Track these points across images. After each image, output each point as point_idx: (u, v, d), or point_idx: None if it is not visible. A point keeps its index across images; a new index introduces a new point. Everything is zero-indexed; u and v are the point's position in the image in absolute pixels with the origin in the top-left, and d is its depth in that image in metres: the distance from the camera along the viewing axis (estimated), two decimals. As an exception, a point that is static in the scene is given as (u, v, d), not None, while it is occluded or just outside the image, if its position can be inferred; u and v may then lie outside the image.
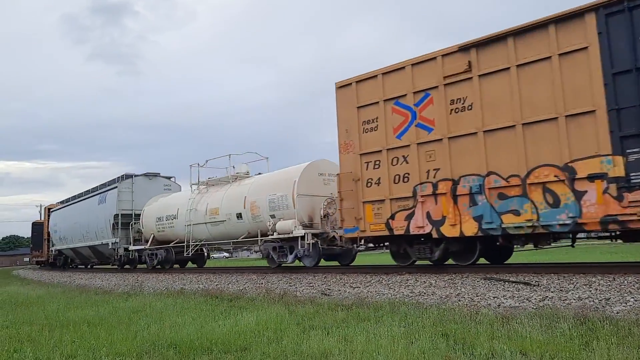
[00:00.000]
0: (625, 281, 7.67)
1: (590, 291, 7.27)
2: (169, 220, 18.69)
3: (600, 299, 6.77)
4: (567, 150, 8.52)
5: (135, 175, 22.88)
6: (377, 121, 11.20)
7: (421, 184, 10.33)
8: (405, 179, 10.62)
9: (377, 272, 11.44)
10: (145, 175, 23.17)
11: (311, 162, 14.01)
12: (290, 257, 13.50)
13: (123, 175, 22.82)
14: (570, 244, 9.64)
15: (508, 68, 9.27)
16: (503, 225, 9.13)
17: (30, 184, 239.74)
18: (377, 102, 11.18)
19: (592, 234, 9.40)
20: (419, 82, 10.52)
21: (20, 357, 5.60)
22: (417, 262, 11.43)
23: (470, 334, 5.22)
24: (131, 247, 21.00)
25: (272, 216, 13.95)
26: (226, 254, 54.95)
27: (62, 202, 32.95)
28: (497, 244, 9.69)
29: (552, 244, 9.60)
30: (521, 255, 17.69)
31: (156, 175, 23.43)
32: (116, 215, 21.93)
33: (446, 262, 11.44)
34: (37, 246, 39.66)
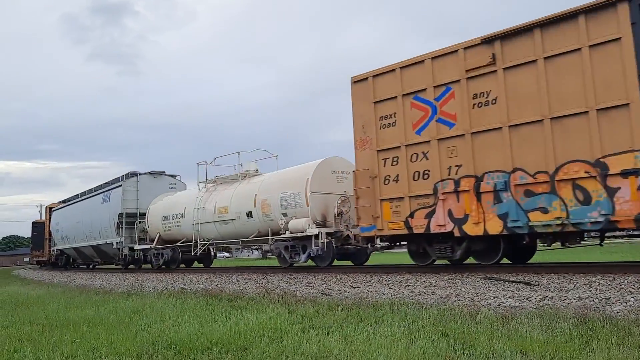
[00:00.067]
0: (625, 281, 7.60)
1: (591, 291, 7.23)
2: (175, 219, 18.36)
3: (600, 298, 6.72)
4: (599, 145, 8.20)
5: (140, 174, 22.51)
6: (395, 116, 10.88)
7: (442, 180, 10.01)
8: (426, 176, 10.30)
9: (377, 272, 11.36)
10: (150, 173, 22.81)
11: (324, 159, 13.69)
12: (303, 257, 13.18)
13: (128, 174, 22.46)
14: (598, 242, 9.33)
15: (535, 60, 8.95)
16: (530, 224, 8.81)
17: (30, 184, 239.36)
18: (395, 97, 10.86)
19: (625, 232, 9.08)
20: (439, 75, 10.20)
21: (20, 357, 5.57)
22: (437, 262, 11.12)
23: (471, 334, 5.21)
24: (136, 247, 20.64)
25: (284, 214, 13.63)
26: (226, 254, 54.60)
27: (63, 201, 32.57)
28: (524, 242, 9.37)
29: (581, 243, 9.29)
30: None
31: (161, 173, 23.07)
32: (121, 214, 21.56)
33: (466, 262, 11.14)
34: (37, 246, 39.27)
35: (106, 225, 22.83)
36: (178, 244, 18.49)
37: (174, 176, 23.44)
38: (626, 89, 8.00)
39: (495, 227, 9.23)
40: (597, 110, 8.25)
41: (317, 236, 12.57)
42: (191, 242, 17.37)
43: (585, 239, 9.31)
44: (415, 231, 10.32)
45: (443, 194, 9.95)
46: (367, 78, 11.40)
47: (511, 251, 10.31)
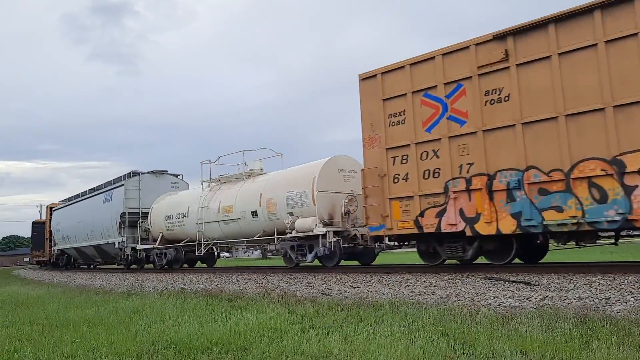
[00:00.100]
0: (626, 280, 7.55)
1: (591, 291, 7.19)
2: (179, 219, 18.18)
3: (600, 298, 6.69)
4: (616, 142, 8.04)
5: (143, 173, 22.31)
6: (404, 114, 10.72)
7: (453, 179, 9.85)
8: (436, 174, 10.14)
9: (377, 272, 11.27)
10: (153, 172, 22.61)
11: (331, 158, 13.53)
12: (309, 257, 13.01)
13: (130, 173, 22.26)
14: (613, 242, 9.17)
15: (549, 56, 8.79)
16: (544, 223, 8.65)
17: (30, 184, 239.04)
18: (405, 94, 10.69)
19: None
20: (450, 72, 10.04)
21: (20, 357, 5.55)
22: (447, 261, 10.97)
23: (471, 334, 5.19)
24: (139, 246, 20.45)
25: (290, 214, 13.46)
26: (226, 254, 54.43)
27: (64, 201, 32.36)
28: (538, 242, 9.21)
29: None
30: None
31: (164, 172, 22.87)
32: (123, 214, 21.37)
33: (475, 262, 10.98)
34: (37, 246, 39.08)
35: (108, 224, 22.65)
36: (181, 243, 18.31)
37: (176, 175, 23.26)
38: (644, 85, 7.84)
39: (508, 226, 9.07)
40: (614, 106, 8.09)
41: (324, 236, 12.40)
42: (195, 241, 17.20)
43: (600, 238, 9.15)
44: (426, 230, 10.16)
45: (454, 192, 9.79)
46: (375, 75, 11.24)
47: (523, 251, 10.15)
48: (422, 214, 10.24)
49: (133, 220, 21.34)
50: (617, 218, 7.95)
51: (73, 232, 27.52)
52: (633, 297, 6.57)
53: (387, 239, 11.37)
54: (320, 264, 13.75)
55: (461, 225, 9.66)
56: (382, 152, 11.00)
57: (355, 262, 14.53)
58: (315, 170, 13.20)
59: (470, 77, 9.74)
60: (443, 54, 10.16)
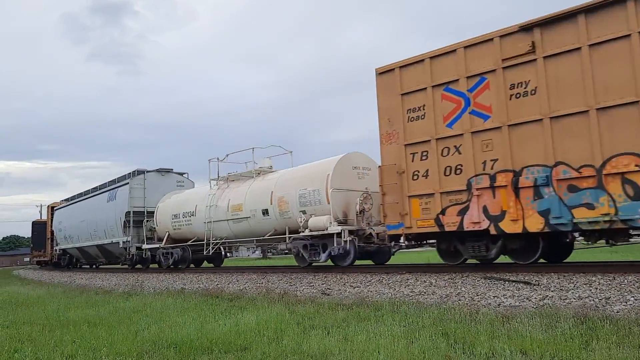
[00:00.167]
0: (625, 280, 7.50)
1: (591, 290, 7.17)
2: (186, 218, 17.83)
3: (600, 298, 6.69)
4: (651, 137, 7.73)
5: (148, 171, 21.93)
6: (424, 109, 10.40)
7: (476, 176, 9.53)
8: (458, 171, 9.82)
9: (378, 272, 11.08)
10: (158, 171, 22.25)
11: (344, 155, 13.20)
12: (323, 256, 12.68)
13: (135, 171, 21.89)
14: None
15: (579, 48, 8.47)
16: (574, 220, 8.34)
17: (30, 184, 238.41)
18: (425, 89, 10.38)
19: None
20: (473, 65, 9.72)
21: (20, 357, 5.56)
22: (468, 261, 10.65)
23: (471, 333, 5.19)
24: (144, 246, 20.09)
25: (303, 212, 13.13)
26: (228, 254, 54.15)
27: (66, 200, 32.01)
28: (567, 240, 8.90)
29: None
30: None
31: (169, 171, 22.51)
32: (128, 213, 20.99)
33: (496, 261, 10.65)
34: (37, 246, 38.74)
35: (112, 224, 22.29)
36: (188, 243, 17.97)
37: (181, 174, 22.89)
38: (681, 77, 7.53)
39: (535, 224, 8.76)
40: (649, 99, 7.78)
41: (339, 234, 12.08)
42: (202, 241, 16.85)
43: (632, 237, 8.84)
44: (447, 229, 9.84)
45: (477, 189, 9.48)
46: (393, 69, 10.92)
47: (549, 250, 9.83)
48: (443, 212, 9.92)
49: (138, 219, 20.97)
50: (653, 215, 7.65)
51: (76, 231, 27.14)
52: (633, 296, 6.53)
53: (403, 238, 11.06)
54: (333, 264, 13.43)
55: (485, 224, 9.34)
56: (400, 148, 10.68)
57: (370, 262, 14.19)
58: (329, 168, 12.87)
59: (494, 70, 9.43)
60: (465, 47, 9.85)
